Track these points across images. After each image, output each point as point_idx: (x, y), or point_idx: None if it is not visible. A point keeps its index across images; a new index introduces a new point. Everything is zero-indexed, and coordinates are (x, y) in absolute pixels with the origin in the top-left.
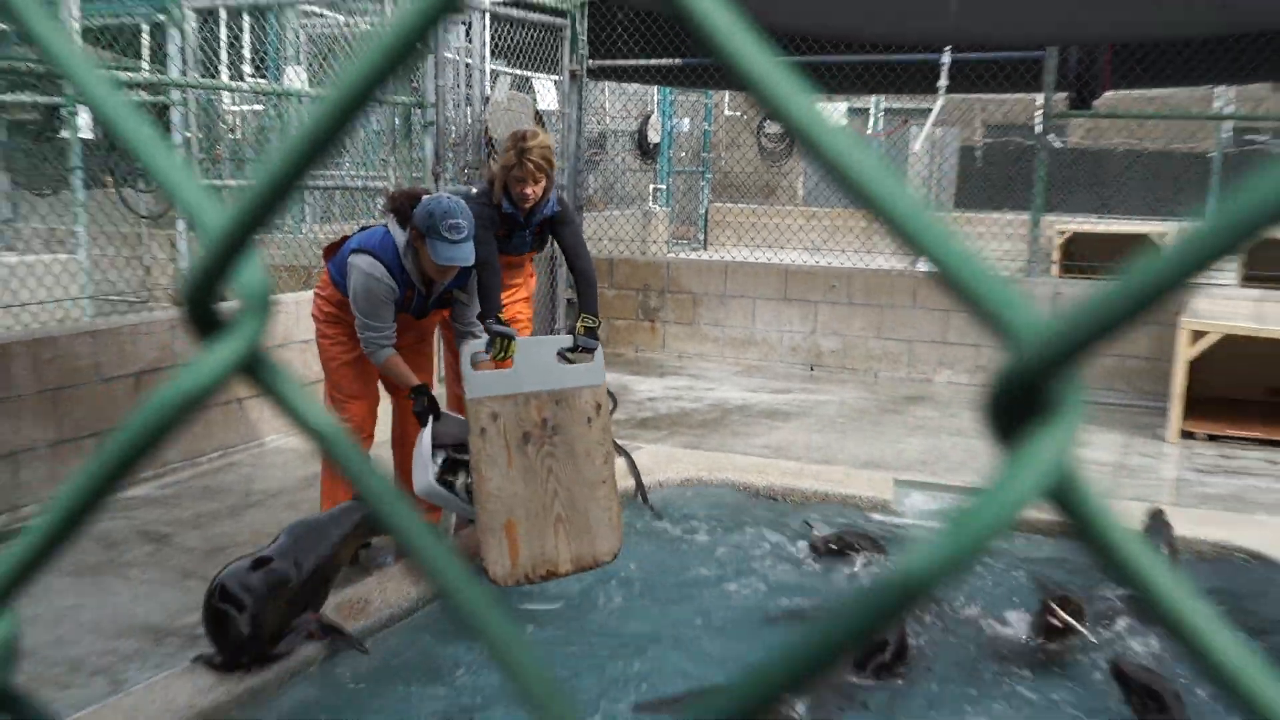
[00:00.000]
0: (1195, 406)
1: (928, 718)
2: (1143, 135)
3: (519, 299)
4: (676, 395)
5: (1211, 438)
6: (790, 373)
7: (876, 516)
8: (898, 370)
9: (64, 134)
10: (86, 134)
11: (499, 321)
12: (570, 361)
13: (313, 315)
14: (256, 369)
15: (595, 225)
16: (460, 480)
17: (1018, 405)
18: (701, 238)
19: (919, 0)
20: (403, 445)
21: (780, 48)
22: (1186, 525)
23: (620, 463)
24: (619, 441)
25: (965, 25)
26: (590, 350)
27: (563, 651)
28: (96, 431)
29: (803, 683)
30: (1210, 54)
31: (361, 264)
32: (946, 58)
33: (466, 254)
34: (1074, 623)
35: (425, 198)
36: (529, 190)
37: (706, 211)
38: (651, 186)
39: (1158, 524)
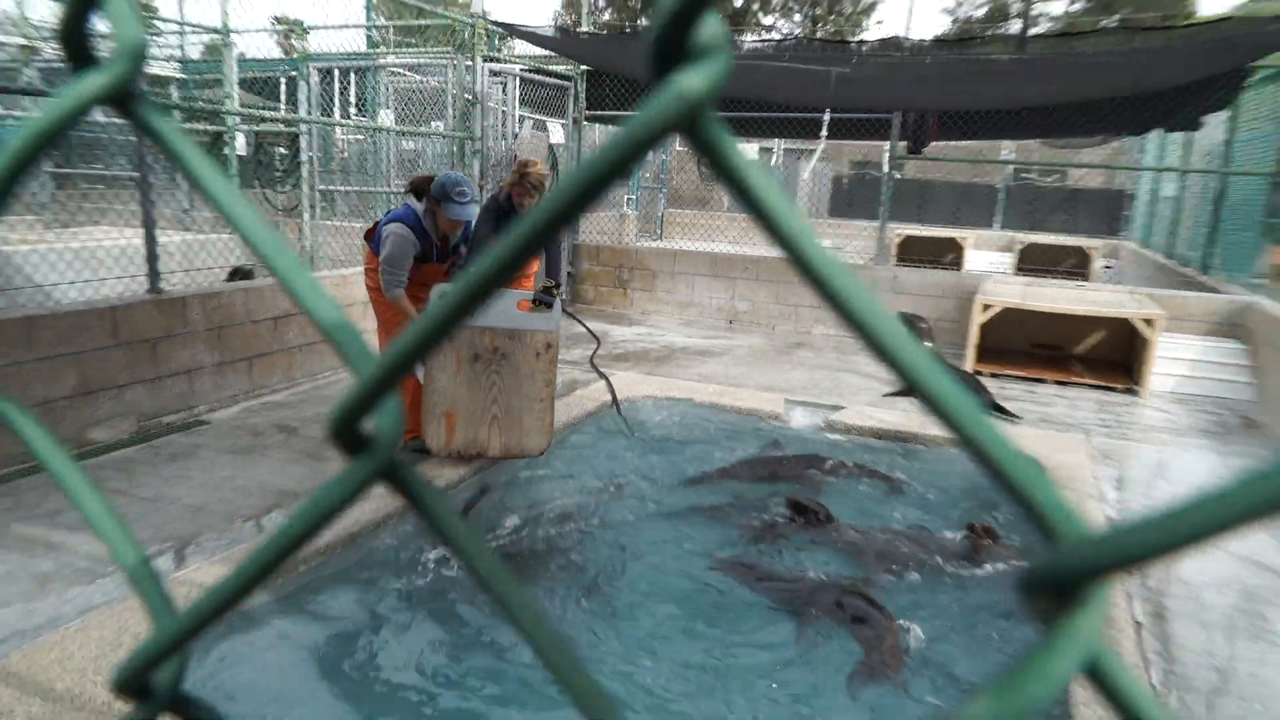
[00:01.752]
0: (983, 354)
1: (893, 601)
2: (954, 171)
3: (525, 274)
4: (640, 339)
5: (993, 375)
6: (716, 325)
7: (772, 424)
8: (788, 325)
9: (225, 151)
10: (241, 151)
11: None
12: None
13: (368, 286)
14: (395, 475)
15: (586, 223)
16: None
17: (1055, 593)
18: (659, 232)
19: (810, 79)
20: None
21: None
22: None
23: (601, 384)
24: (602, 369)
25: (840, 96)
26: (548, 304)
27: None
28: (246, 356)
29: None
30: (999, 120)
31: (394, 228)
32: (826, 116)
33: (471, 212)
34: (991, 542)
35: (439, 175)
36: (525, 200)
37: (663, 214)
38: (625, 196)
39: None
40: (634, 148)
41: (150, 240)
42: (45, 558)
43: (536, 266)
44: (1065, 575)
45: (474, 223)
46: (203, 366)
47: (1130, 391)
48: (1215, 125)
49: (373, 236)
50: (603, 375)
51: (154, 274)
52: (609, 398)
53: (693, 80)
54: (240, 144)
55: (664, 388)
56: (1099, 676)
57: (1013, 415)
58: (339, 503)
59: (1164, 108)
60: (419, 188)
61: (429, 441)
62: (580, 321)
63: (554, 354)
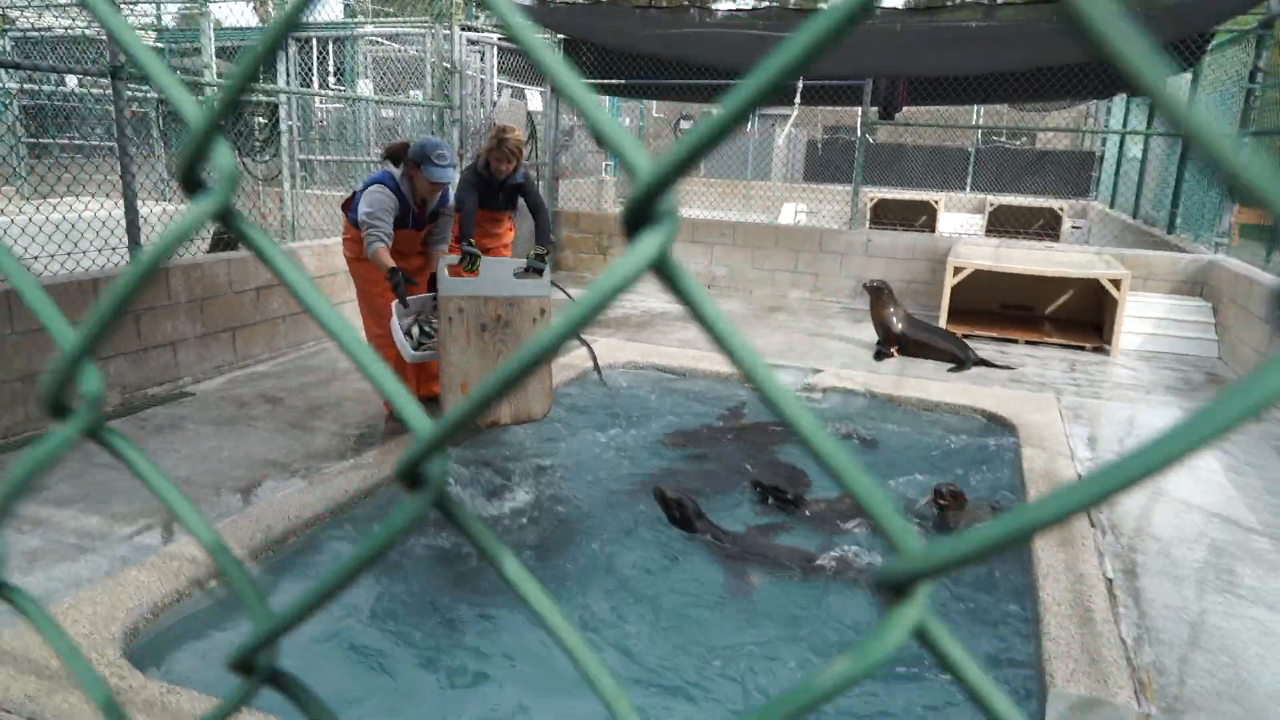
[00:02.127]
0: (955, 315)
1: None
2: (926, 134)
3: (502, 245)
4: (620, 305)
5: (965, 336)
6: None
7: (749, 387)
8: (764, 289)
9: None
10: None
11: (470, 244)
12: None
13: (346, 258)
14: (445, 506)
15: (567, 189)
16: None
17: (893, 590)
18: None
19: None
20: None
21: (693, 73)
22: (945, 394)
23: (583, 350)
24: (582, 336)
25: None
26: (539, 271)
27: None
28: (230, 327)
29: None
30: (969, 85)
31: (373, 189)
32: (799, 84)
33: (450, 175)
34: (956, 506)
35: (417, 139)
36: (504, 166)
37: None
38: (604, 162)
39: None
40: (614, 293)
41: (131, 211)
42: (32, 534)
43: (512, 235)
44: (899, 578)
45: (452, 188)
46: (186, 338)
47: (1099, 350)
48: (1179, 87)
49: (350, 207)
50: (584, 342)
51: (135, 246)
52: (590, 364)
53: (652, 244)
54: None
55: (644, 353)
56: (928, 642)
57: (1005, 367)
58: (404, 529)
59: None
60: (396, 154)
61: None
62: (561, 288)
63: (549, 318)
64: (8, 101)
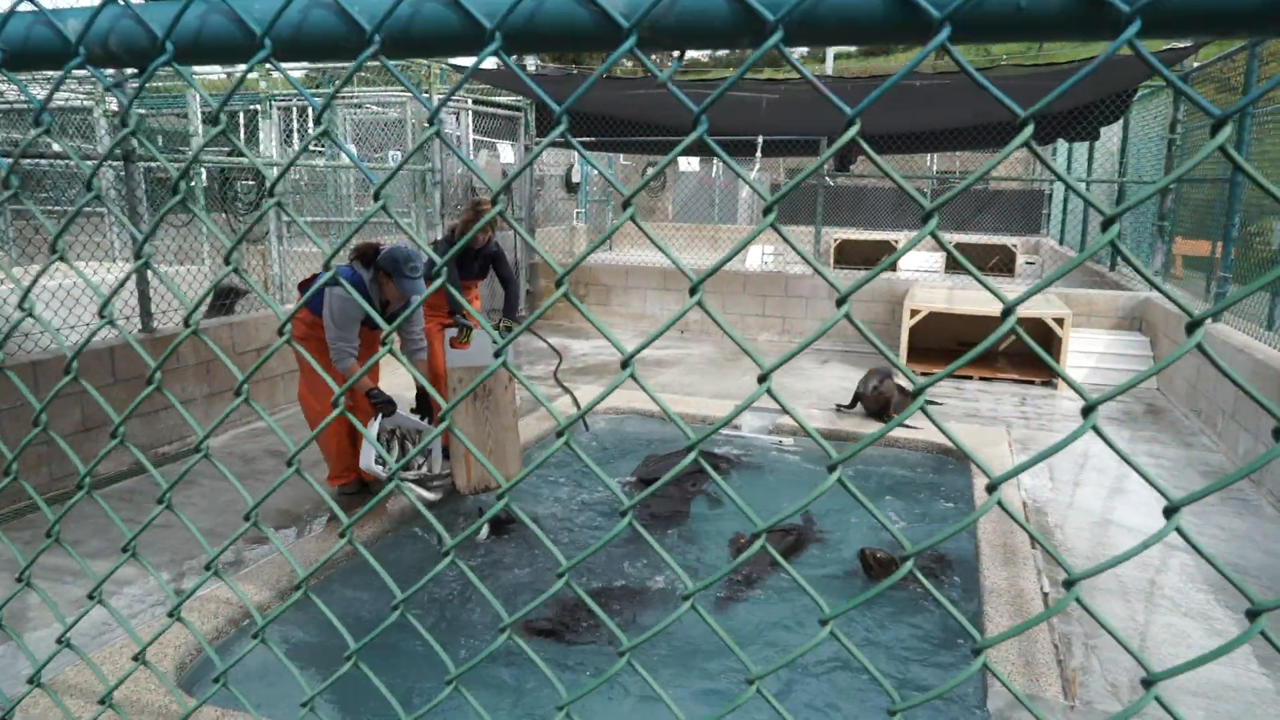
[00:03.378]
0: (913, 353)
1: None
2: (884, 178)
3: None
4: (598, 352)
5: (923, 374)
6: (669, 336)
7: (724, 431)
8: (735, 333)
9: (193, 184)
10: (205, 184)
11: (464, 317)
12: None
13: (294, 336)
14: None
15: (540, 236)
16: (394, 457)
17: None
18: (609, 243)
19: (743, 106)
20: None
21: (663, 132)
22: (903, 431)
23: (565, 399)
24: (566, 384)
25: (771, 121)
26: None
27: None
28: (233, 387)
29: None
30: (918, 137)
31: (340, 293)
32: (760, 139)
33: (421, 286)
34: (882, 565)
35: (389, 247)
36: (481, 237)
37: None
38: (575, 210)
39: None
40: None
41: (142, 281)
42: (74, 584)
43: (478, 304)
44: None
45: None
46: (194, 399)
47: (1047, 384)
48: (1113, 135)
49: (308, 286)
50: (567, 390)
51: (145, 314)
52: (574, 412)
53: None
54: (203, 177)
55: (624, 400)
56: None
57: (911, 427)
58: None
59: (1065, 121)
60: (366, 255)
61: (458, 482)
62: (541, 338)
63: (513, 385)
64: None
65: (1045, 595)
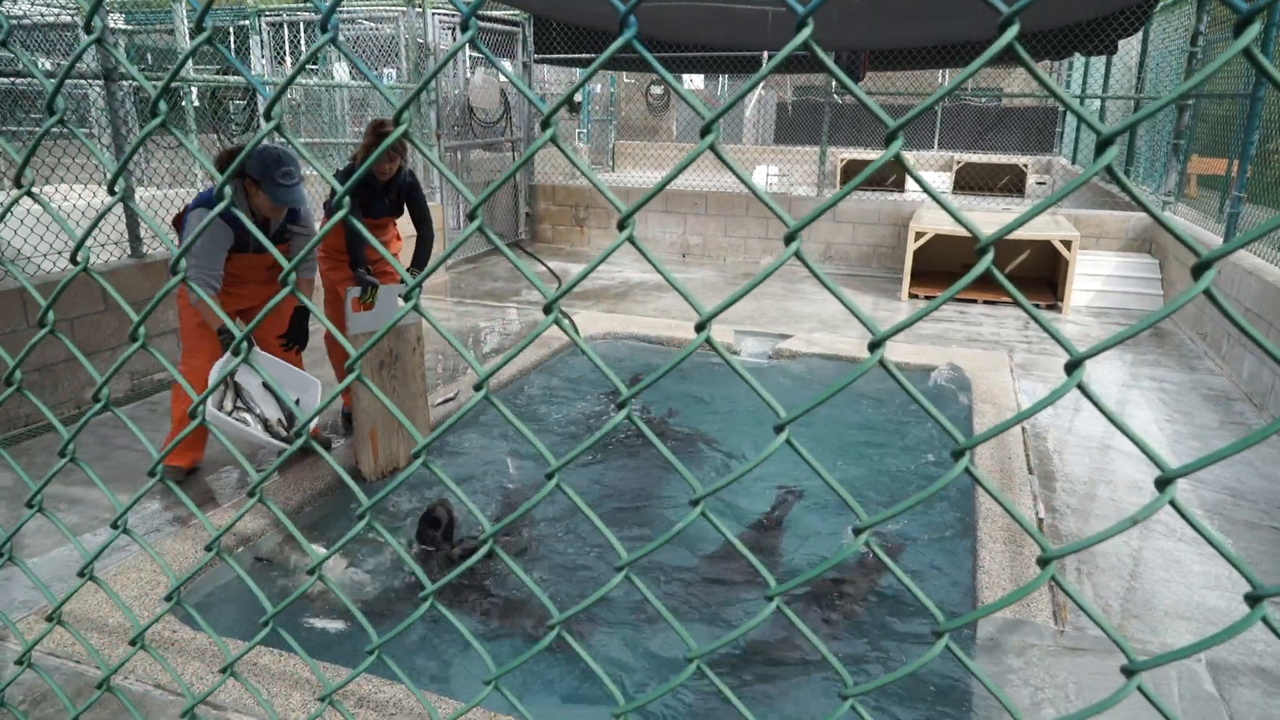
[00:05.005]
0: (917, 277)
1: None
2: (894, 94)
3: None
4: (598, 276)
5: (926, 297)
6: (670, 259)
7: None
8: (738, 256)
9: (183, 104)
10: (195, 103)
11: (368, 272)
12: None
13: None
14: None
15: (541, 159)
16: (254, 416)
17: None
18: (611, 164)
19: (748, 20)
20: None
21: (666, 47)
22: (909, 354)
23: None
24: (563, 310)
25: (776, 36)
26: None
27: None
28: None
29: None
30: (927, 52)
31: (196, 215)
32: (765, 55)
33: (298, 196)
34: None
35: (258, 149)
36: (386, 166)
37: (614, 146)
38: (577, 130)
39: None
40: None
41: (130, 207)
42: (70, 511)
43: (400, 245)
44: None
45: (303, 206)
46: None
47: (1052, 308)
48: (1131, 48)
49: (182, 224)
50: (564, 315)
51: (135, 239)
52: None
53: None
54: (193, 96)
55: (622, 324)
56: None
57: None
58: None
59: (1081, 33)
60: (228, 162)
61: (363, 468)
62: (541, 261)
63: (422, 347)
64: None
65: (1040, 521)
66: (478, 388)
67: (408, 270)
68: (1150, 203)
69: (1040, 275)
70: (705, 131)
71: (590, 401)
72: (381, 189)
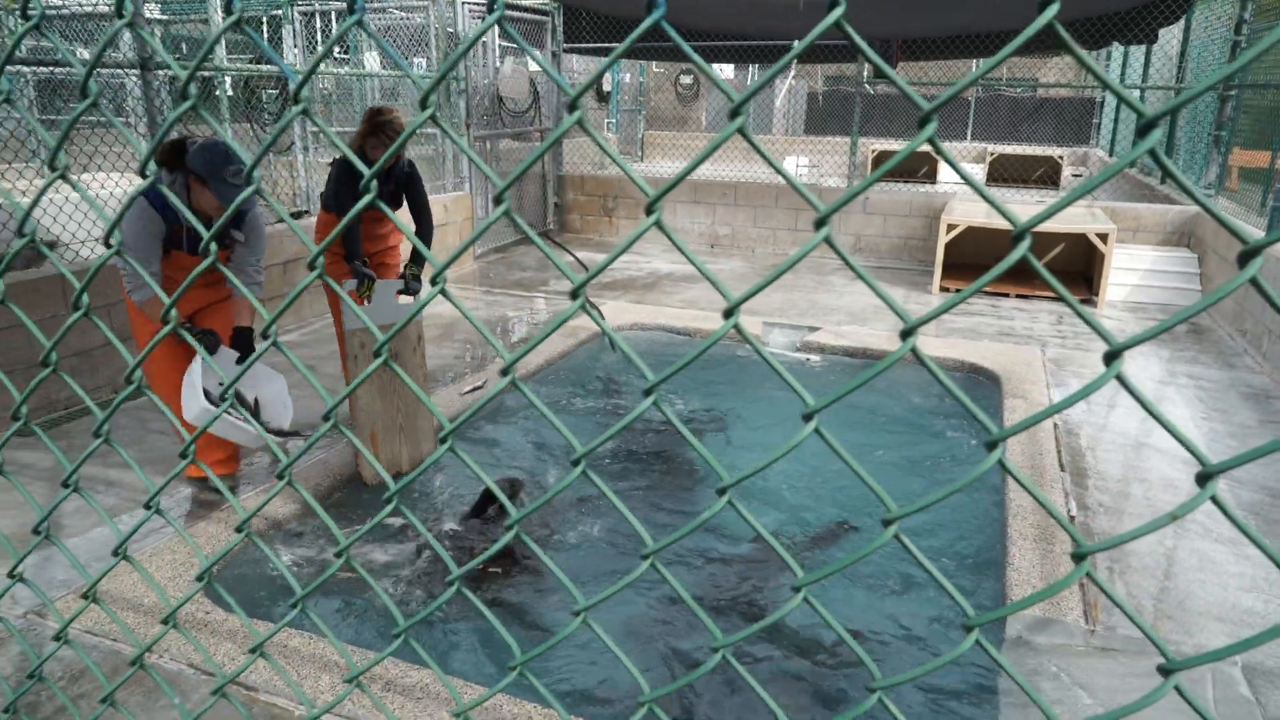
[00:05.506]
0: (949, 270)
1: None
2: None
3: (390, 246)
4: (626, 267)
5: (957, 291)
6: (699, 250)
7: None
8: (767, 247)
9: (216, 93)
10: (229, 92)
11: (363, 264)
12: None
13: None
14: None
15: (570, 148)
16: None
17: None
18: (640, 154)
19: (780, 9)
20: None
21: (696, 36)
22: (940, 348)
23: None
24: (591, 299)
25: (809, 25)
26: (415, 292)
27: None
28: (261, 300)
29: None
30: (959, 41)
31: (136, 209)
32: (797, 44)
33: (248, 200)
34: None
35: (201, 142)
36: (380, 155)
37: (643, 136)
38: (605, 119)
39: None
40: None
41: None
42: (107, 493)
43: (399, 238)
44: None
45: (252, 210)
46: (276, 296)
47: (1087, 302)
48: (1171, 37)
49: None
50: (592, 305)
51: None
52: (598, 328)
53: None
54: (227, 86)
55: (650, 315)
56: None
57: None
58: None
59: (1121, 21)
60: (168, 156)
61: (364, 471)
62: (569, 251)
63: (423, 345)
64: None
65: (1072, 518)
66: (504, 373)
67: (407, 267)
68: (1192, 186)
69: (1075, 269)
70: (734, 114)
71: (611, 395)
72: (380, 179)
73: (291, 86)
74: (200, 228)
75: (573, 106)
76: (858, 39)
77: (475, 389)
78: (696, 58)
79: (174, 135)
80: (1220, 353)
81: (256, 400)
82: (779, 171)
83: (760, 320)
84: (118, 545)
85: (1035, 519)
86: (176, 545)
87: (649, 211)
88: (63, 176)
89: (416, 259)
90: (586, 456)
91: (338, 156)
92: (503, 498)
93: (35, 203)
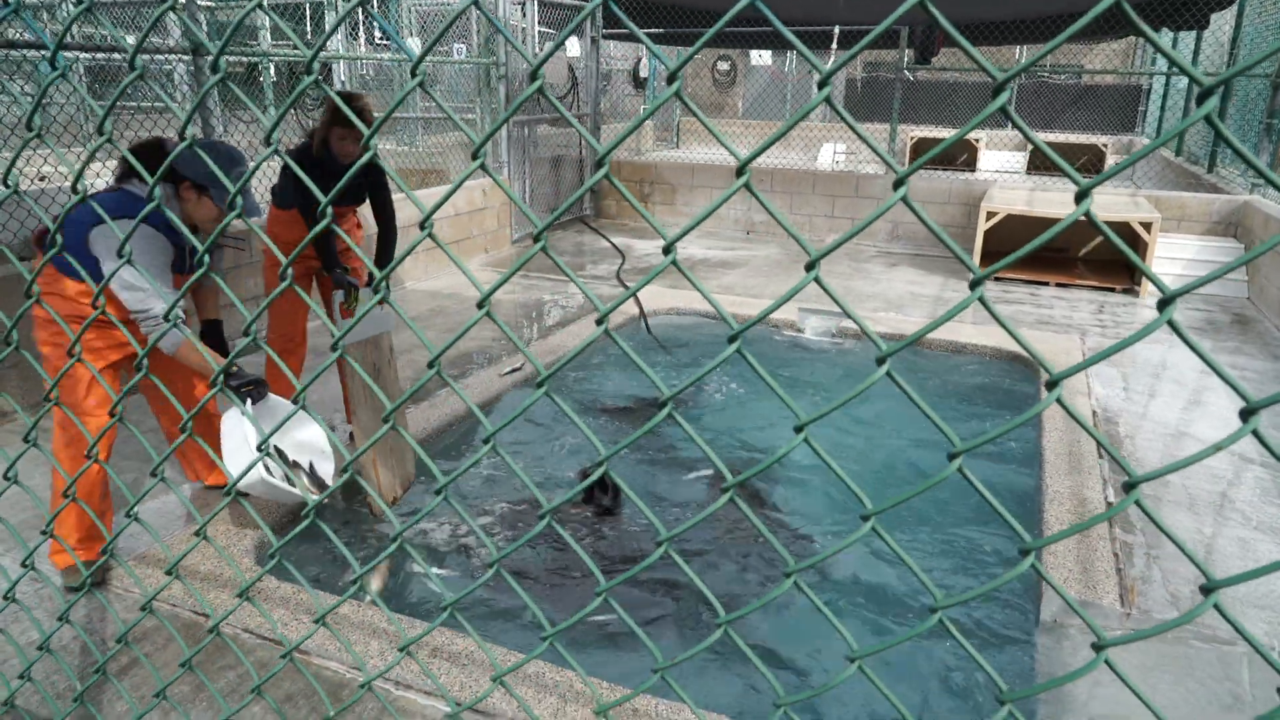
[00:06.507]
0: (988, 257)
1: None
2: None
3: (346, 248)
4: (660, 254)
5: (996, 279)
6: (734, 237)
7: (787, 332)
8: (802, 235)
9: (260, 79)
10: (274, 79)
11: (345, 271)
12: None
13: (40, 338)
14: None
15: (606, 132)
16: (280, 470)
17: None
18: (676, 140)
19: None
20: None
21: (734, 23)
22: (977, 336)
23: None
24: (628, 284)
25: (848, 12)
26: (383, 300)
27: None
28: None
29: None
30: (1003, 27)
31: (142, 231)
32: (836, 30)
33: (253, 202)
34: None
35: (194, 144)
36: (349, 148)
37: (678, 122)
38: (642, 106)
39: None
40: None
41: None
42: (174, 471)
43: (361, 235)
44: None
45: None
46: (257, 295)
47: (1129, 292)
48: (1224, 21)
49: (44, 239)
50: (624, 285)
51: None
52: (636, 312)
53: None
54: (270, 72)
55: (687, 300)
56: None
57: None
58: None
59: (1171, 6)
60: (145, 159)
61: (373, 506)
62: (605, 236)
63: (394, 356)
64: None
65: (1109, 504)
66: (539, 385)
67: (370, 274)
68: (1246, 150)
69: (1117, 258)
70: (822, 85)
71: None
72: (341, 174)
73: (340, 70)
74: (196, 243)
75: (533, 76)
76: (941, 19)
77: (514, 370)
78: (797, 42)
79: (148, 136)
80: (1265, 343)
81: (311, 464)
82: (865, 141)
83: (796, 306)
84: (199, 527)
85: (1071, 504)
86: (223, 519)
87: (739, 174)
88: (109, 140)
89: (383, 259)
90: (671, 400)
91: (293, 145)
92: (622, 484)
93: (86, 163)
